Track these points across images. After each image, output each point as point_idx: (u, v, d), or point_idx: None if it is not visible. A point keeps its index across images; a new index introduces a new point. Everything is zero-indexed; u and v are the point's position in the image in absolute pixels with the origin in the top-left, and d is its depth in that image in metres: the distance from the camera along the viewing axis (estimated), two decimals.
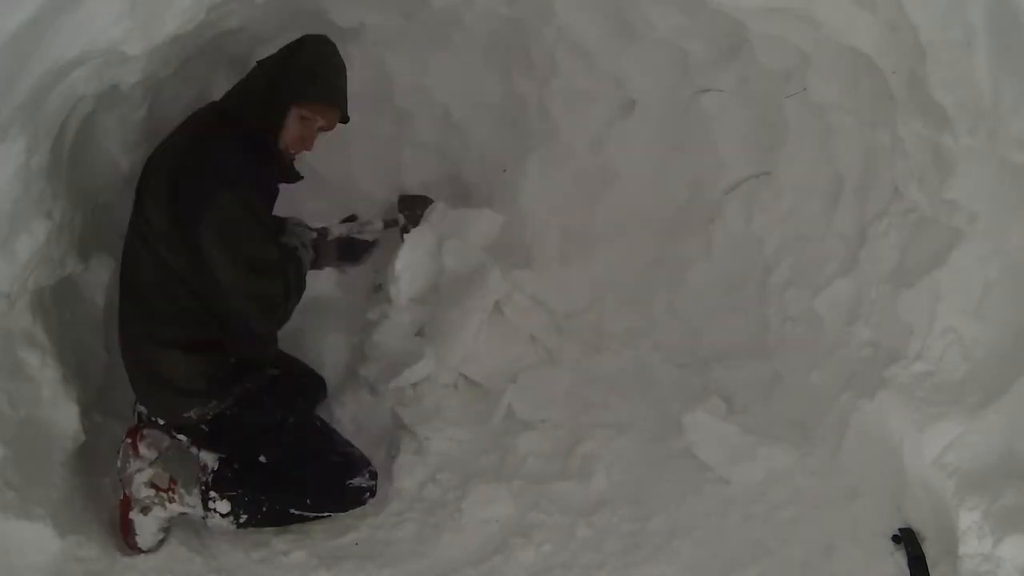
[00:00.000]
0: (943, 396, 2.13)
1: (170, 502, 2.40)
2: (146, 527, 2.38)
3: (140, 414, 2.53)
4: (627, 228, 3.37)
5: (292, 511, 2.49)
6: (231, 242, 2.32)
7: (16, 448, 2.16)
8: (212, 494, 2.42)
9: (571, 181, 3.44)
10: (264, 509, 2.46)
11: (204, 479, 2.44)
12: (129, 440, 2.45)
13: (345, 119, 2.59)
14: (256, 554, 2.41)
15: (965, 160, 2.08)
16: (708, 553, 2.24)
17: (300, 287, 2.57)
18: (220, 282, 2.34)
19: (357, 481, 2.54)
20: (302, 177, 2.64)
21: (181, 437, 2.50)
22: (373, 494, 2.57)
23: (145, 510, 2.38)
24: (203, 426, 2.49)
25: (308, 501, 2.50)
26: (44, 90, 2.21)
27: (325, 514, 2.54)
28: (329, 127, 2.55)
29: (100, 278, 2.72)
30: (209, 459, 2.50)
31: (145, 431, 2.47)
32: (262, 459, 2.53)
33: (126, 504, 2.40)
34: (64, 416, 2.34)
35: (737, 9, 2.49)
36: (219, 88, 3.03)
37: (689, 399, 2.79)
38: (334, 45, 2.57)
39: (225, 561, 2.34)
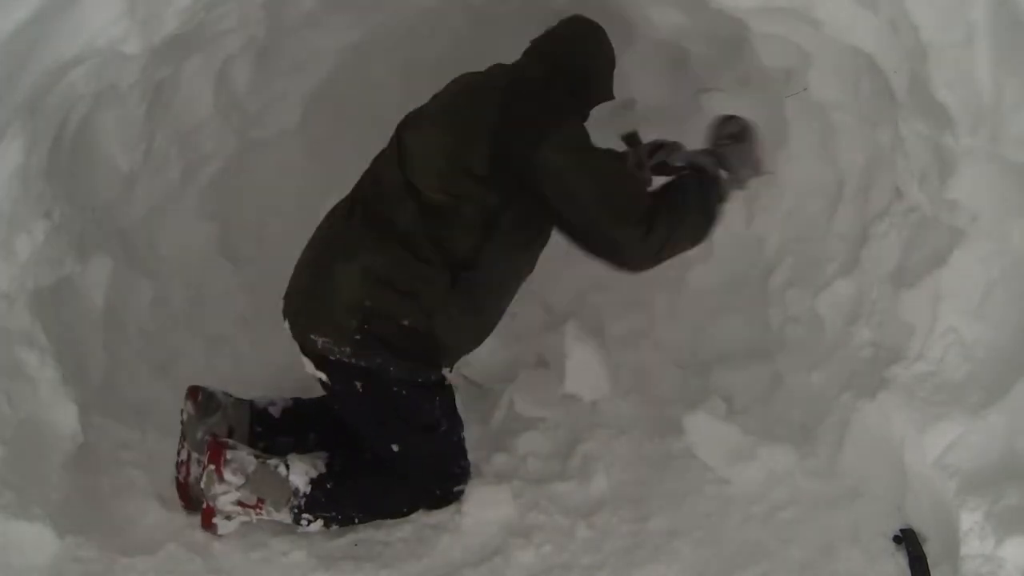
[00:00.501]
0: (944, 396, 2.12)
1: (257, 514, 2.37)
2: (229, 526, 2.39)
3: (185, 412, 2.51)
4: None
5: (382, 518, 2.48)
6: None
7: (15, 448, 2.15)
8: (305, 516, 2.38)
9: None
10: (356, 522, 2.46)
11: (296, 503, 2.36)
12: (213, 466, 2.31)
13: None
14: (255, 554, 2.40)
15: (966, 160, 2.08)
16: (708, 554, 2.23)
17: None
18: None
19: (458, 488, 2.49)
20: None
21: (270, 459, 2.39)
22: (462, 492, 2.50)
23: (229, 517, 2.37)
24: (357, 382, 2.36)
25: (405, 508, 2.48)
26: (43, 90, 2.22)
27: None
28: None
29: (99, 278, 2.71)
30: (300, 482, 2.37)
31: (229, 455, 2.34)
32: (395, 448, 2.40)
33: (210, 512, 2.36)
34: (63, 416, 2.34)
35: (737, 8, 2.48)
36: (219, 89, 3.03)
37: (690, 399, 2.78)
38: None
39: (224, 562, 2.32)
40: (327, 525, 2.42)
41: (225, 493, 2.33)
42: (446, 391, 2.48)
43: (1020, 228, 2.05)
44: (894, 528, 2.15)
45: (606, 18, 2.71)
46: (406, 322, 2.29)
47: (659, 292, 3.24)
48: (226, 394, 2.59)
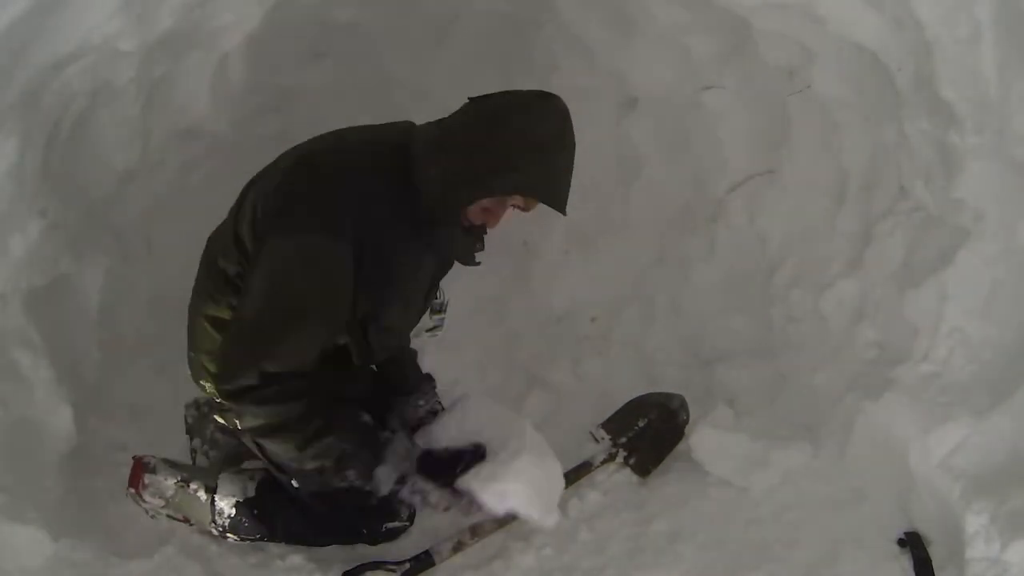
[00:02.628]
0: (950, 397, 2.11)
1: (189, 526, 2.37)
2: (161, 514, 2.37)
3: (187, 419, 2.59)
4: (629, 227, 3.36)
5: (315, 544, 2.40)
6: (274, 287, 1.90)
7: (8, 450, 2.13)
8: (229, 535, 2.35)
9: (572, 179, 3.42)
10: (283, 542, 2.39)
11: (220, 523, 2.33)
12: (132, 490, 2.34)
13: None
14: (252, 558, 2.38)
15: (972, 158, 2.07)
16: (711, 557, 2.22)
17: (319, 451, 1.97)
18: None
19: (394, 524, 2.35)
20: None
21: (192, 483, 2.33)
22: (406, 530, 2.37)
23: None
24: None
25: (331, 541, 2.39)
26: (38, 87, 2.20)
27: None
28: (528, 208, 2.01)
29: (94, 277, 2.69)
30: (225, 504, 2.32)
31: (147, 479, 2.32)
32: (294, 484, 2.24)
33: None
34: (57, 417, 2.31)
35: (740, 5, 2.48)
36: (214, 85, 3.01)
37: (692, 400, 2.76)
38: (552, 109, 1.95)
39: (221, 565, 2.30)
40: (254, 544, 2.38)
41: (153, 513, 2.35)
42: None
43: None
44: (899, 531, 2.14)
45: (607, 13, 2.70)
46: None
47: (661, 291, 3.23)
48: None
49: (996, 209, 2.09)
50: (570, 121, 1.95)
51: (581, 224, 3.37)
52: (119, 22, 2.20)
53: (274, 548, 2.40)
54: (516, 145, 1.87)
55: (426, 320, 2.44)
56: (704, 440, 2.53)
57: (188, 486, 2.34)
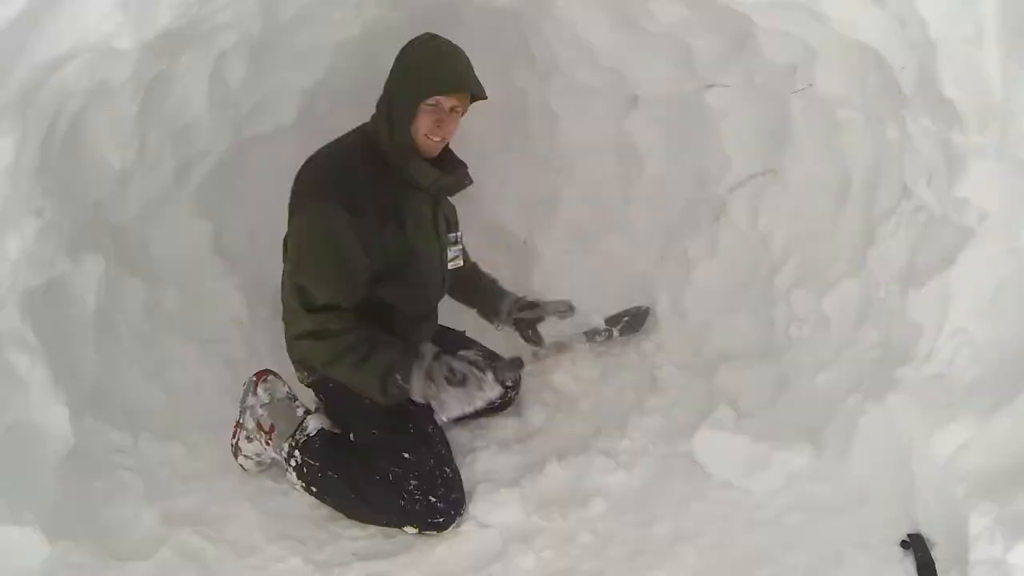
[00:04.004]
0: (954, 398, 2.09)
1: (266, 444, 2.66)
2: (247, 449, 2.72)
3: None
4: (630, 226, 3.35)
5: (360, 510, 2.55)
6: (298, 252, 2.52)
7: (4, 452, 2.12)
8: (296, 454, 2.60)
9: (573, 178, 3.42)
10: (335, 494, 2.58)
11: (297, 439, 2.62)
12: (255, 378, 2.76)
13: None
14: (252, 559, 2.37)
15: (975, 157, 2.05)
16: (713, 559, 2.20)
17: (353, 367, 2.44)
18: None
19: (434, 520, 2.44)
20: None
21: (294, 398, 2.76)
22: (448, 523, 2.44)
23: (248, 438, 2.70)
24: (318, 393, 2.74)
25: (381, 520, 2.52)
26: (34, 86, 2.18)
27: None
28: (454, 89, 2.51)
29: (91, 278, 2.67)
30: (312, 423, 2.66)
31: (270, 376, 2.77)
32: (352, 437, 2.65)
33: (236, 428, 2.72)
34: (54, 419, 2.30)
35: (742, 3, 2.46)
36: (213, 86, 3.00)
37: (694, 401, 2.75)
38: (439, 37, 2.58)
39: (219, 567, 2.30)
40: (306, 487, 2.61)
41: (252, 408, 2.71)
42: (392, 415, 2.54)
43: None
44: (902, 533, 2.12)
45: (609, 10, 2.68)
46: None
47: (663, 292, 3.22)
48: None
49: (1000, 209, 2.07)
50: (446, 40, 2.57)
51: (582, 223, 3.36)
52: (116, 21, 2.19)
53: (272, 551, 2.39)
54: (412, 65, 2.52)
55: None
56: (706, 442, 2.51)
57: (294, 401, 2.76)
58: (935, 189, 2.25)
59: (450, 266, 2.81)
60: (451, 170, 2.63)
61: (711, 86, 3.07)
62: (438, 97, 2.46)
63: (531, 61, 3.39)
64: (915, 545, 2.08)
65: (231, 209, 3.45)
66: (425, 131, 2.49)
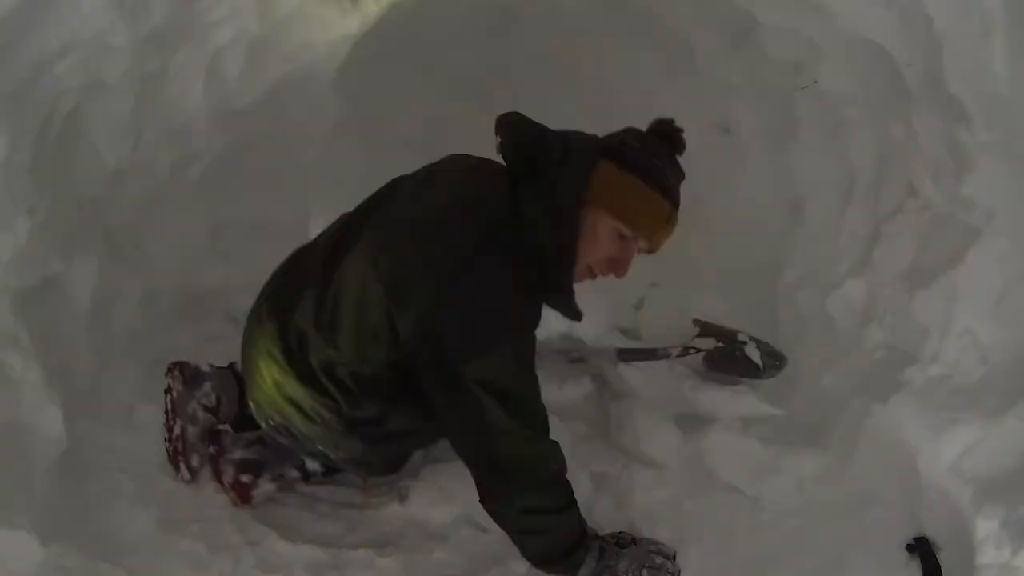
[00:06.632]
0: (960, 400, 2.08)
1: None
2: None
3: (172, 388, 2.60)
4: None
5: None
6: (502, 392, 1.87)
7: None
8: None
9: None
10: None
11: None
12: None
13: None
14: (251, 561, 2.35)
15: (982, 155, 2.04)
16: (716, 562, 2.20)
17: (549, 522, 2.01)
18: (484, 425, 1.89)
19: None
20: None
21: None
22: None
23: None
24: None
25: None
26: (27, 83, 2.17)
27: None
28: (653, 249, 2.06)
29: (85, 278, 2.65)
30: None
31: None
32: None
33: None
34: (47, 421, 2.27)
35: None
36: (209, 83, 2.98)
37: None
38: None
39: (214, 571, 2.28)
40: None
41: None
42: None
43: None
44: (907, 536, 2.11)
45: (609, 7, 2.68)
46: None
47: (665, 290, 3.20)
48: (209, 364, 2.61)
49: (1007, 207, 2.06)
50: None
51: None
52: (110, 16, 2.19)
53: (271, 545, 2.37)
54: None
55: None
56: (715, 446, 2.50)
57: None
58: (941, 187, 2.24)
59: None
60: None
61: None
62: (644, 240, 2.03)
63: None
64: (921, 549, 2.07)
65: (228, 208, 3.43)
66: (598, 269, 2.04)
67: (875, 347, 2.44)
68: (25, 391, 2.25)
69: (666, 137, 2.03)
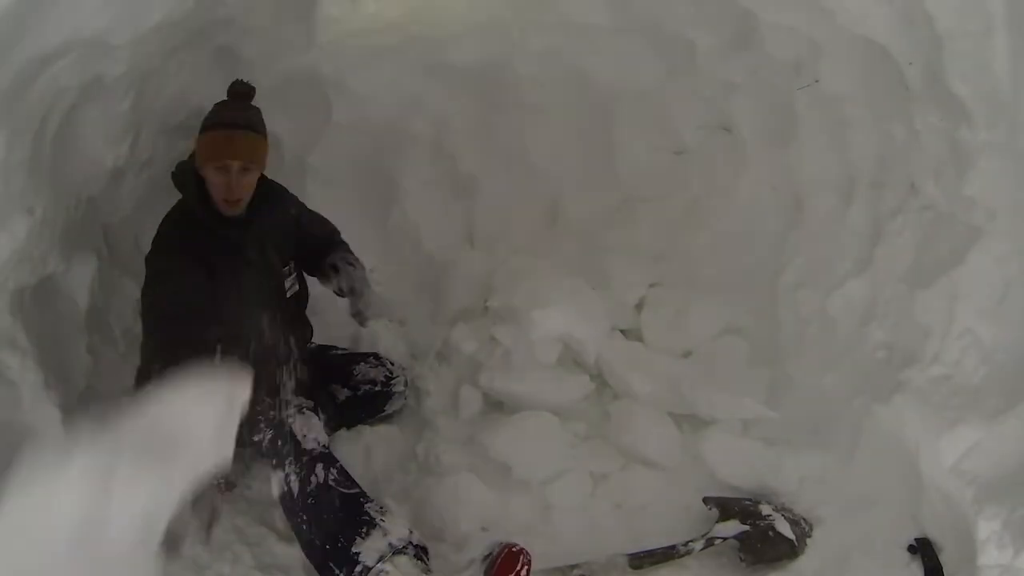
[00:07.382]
0: (961, 400, 2.07)
1: None
2: None
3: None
4: (631, 224, 3.31)
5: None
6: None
7: None
8: None
9: (574, 177, 3.39)
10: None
11: None
12: None
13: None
14: (250, 561, 2.35)
15: (984, 154, 2.04)
16: (720, 562, 2.21)
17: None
18: None
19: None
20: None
21: None
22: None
23: None
24: None
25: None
26: (25, 82, 2.14)
27: None
28: (227, 156, 2.43)
29: (83, 277, 2.64)
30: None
31: None
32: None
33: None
34: (44, 421, 2.26)
35: None
36: (208, 81, 2.97)
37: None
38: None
39: (213, 572, 2.27)
40: None
41: None
42: None
43: None
44: (909, 537, 2.11)
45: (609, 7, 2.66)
46: None
47: (666, 290, 3.18)
48: None
49: (1008, 207, 2.05)
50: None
51: (584, 222, 3.33)
52: (109, 15, 2.16)
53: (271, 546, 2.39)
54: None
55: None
56: (716, 447, 2.50)
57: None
58: (943, 187, 2.23)
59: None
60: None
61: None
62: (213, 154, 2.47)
63: None
64: (922, 549, 2.07)
65: None
66: (217, 194, 2.51)
67: (876, 347, 2.43)
68: (23, 391, 2.23)
69: (229, 93, 2.56)
